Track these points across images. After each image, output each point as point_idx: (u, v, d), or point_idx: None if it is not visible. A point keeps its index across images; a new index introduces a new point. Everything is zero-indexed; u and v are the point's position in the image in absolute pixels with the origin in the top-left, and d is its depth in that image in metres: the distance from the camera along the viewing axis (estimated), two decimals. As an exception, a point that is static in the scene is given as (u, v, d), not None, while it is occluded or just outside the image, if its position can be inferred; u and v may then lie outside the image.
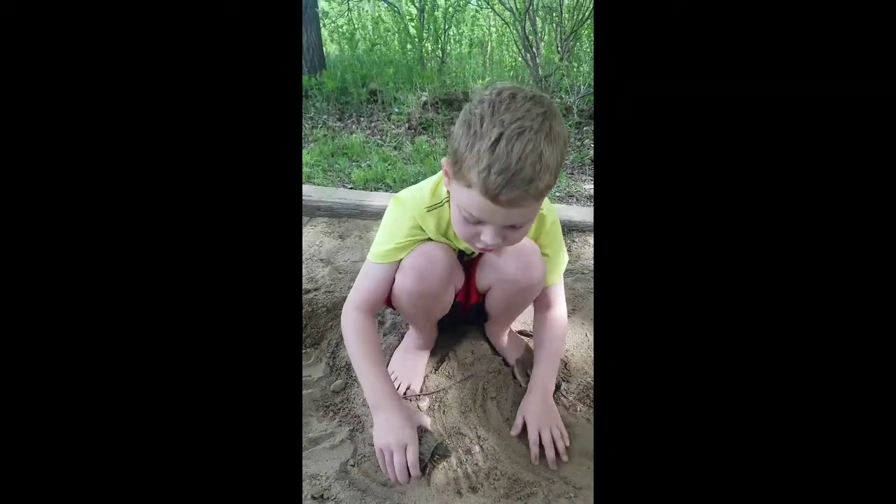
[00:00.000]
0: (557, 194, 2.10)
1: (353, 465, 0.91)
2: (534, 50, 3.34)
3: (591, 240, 1.67)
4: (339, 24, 4.24)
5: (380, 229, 0.96)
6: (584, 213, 1.77)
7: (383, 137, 2.75)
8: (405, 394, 1.05)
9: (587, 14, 3.21)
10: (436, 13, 3.89)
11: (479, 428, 0.99)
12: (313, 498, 0.84)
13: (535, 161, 0.67)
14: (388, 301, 1.00)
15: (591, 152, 2.51)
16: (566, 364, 1.14)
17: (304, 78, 3.24)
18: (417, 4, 3.90)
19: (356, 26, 4.30)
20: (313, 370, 1.13)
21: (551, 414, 0.98)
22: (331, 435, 0.97)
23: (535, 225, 0.92)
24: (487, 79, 3.60)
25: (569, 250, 1.19)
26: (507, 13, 3.57)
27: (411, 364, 1.09)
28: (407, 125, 2.88)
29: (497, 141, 0.66)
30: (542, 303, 1.05)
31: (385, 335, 1.20)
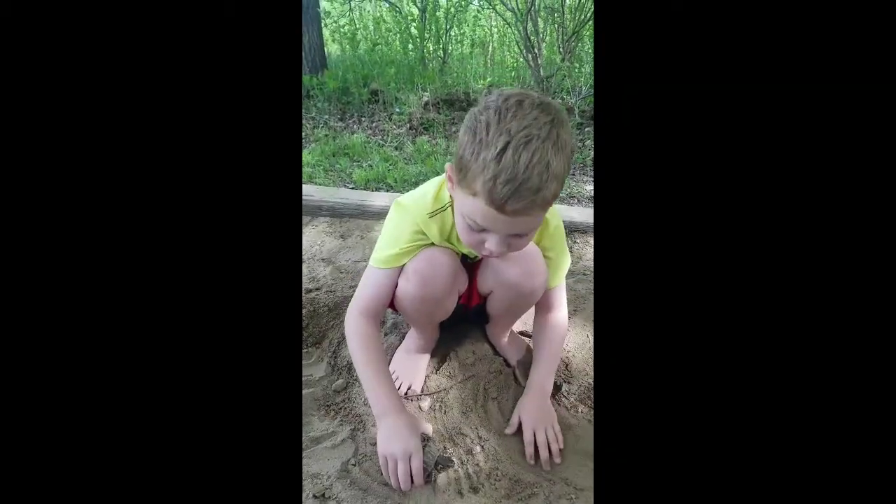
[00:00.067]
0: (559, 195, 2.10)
1: (355, 465, 0.91)
2: (535, 50, 3.34)
3: (592, 241, 1.67)
4: (341, 24, 4.24)
5: (382, 234, 0.96)
6: (585, 214, 1.77)
7: (384, 137, 2.75)
8: (406, 394, 1.05)
9: (589, 15, 3.21)
10: (437, 13, 3.90)
11: (481, 428, 0.99)
12: (315, 497, 0.84)
13: (542, 171, 0.66)
14: (391, 304, 1.00)
15: (592, 153, 2.51)
16: (567, 365, 1.14)
17: (306, 78, 3.24)
18: (419, 5, 3.90)
19: (358, 26, 4.30)
20: (315, 369, 1.13)
21: (547, 415, 0.98)
22: (332, 434, 0.97)
23: (538, 228, 0.92)
24: (489, 79, 3.60)
25: (570, 251, 1.19)
26: (508, 14, 3.57)
27: (412, 364, 1.09)
28: (408, 125, 2.88)
29: (504, 150, 0.65)
30: (543, 305, 1.05)
31: (386, 335, 1.21)
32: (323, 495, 0.85)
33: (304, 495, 0.85)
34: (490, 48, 4.25)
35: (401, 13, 4.17)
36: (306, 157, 2.38)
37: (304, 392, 1.06)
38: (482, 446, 0.95)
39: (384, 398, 0.91)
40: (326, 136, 2.72)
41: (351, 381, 1.09)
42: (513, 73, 3.76)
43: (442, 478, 0.87)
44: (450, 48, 3.94)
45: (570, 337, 1.21)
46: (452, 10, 3.92)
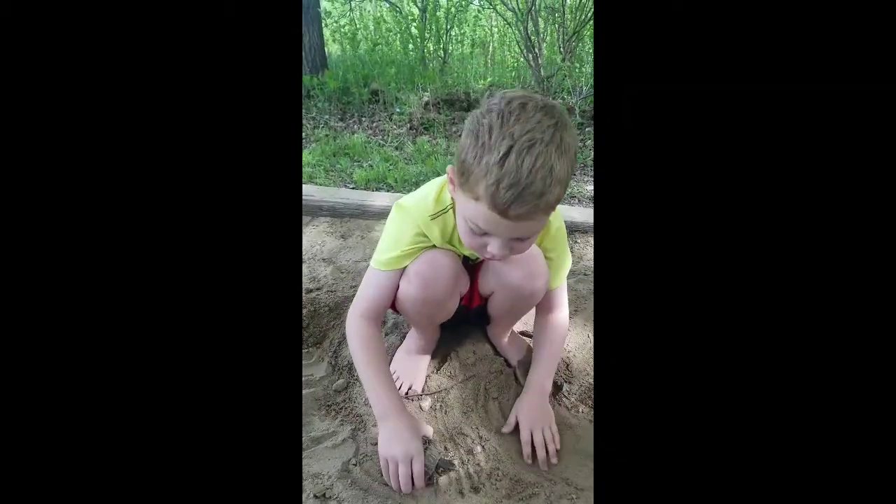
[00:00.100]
0: (559, 194, 2.10)
1: (356, 465, 0.91)
2: (536, 50, 3.34)
3: (592, 241, 1.67)
4: (341, 24, 4.24)
5: (383, 236, 0.96)
6: (585, 214, 1.77)
7: (385, 137, 2.75)
8: (407, 394, 1.05)
9: (589, 15, 3.21)
10: (438, 13, 3.90)
11: (481, 428, 0.99)
12: (315, 497, 0.84)
13: (545, 175, 0.65)
14: (392, 305, 1.00)
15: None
16: (568, 365, 1.14)
17: (306, 78, 3.24)
18: (419, 4, 3.90)
19: (358, 26, 4.30)
20: (315, 369, 1.13)
21: (545, 415, 0.98)
22: (333, 434, 0.97)
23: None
24: (489, 79, 3.60)
25: (571, 251, 1.19)
26: (509, 13, 3.57)
27: (413, 364, 1.09)
28: (408, 125, 2.88)
29: (507, 155, 0.64)
30: (544, 306, 1.05)
31: (387, 335, 1.21)
32: (324, 495, 0.85)
33: (305, 495, 0.85)
34: (490, 48, 4.25)
35: (401, 13, 4.17)
36: (307, 157, 2.38)
37: (304, 392, 1.06)
38: (483, 446, 0.95)
39: (385, 400, 0.91)
40: (327, 136, 2.72)
41: (352, 381, 1.09)
42: (513, 73, 3.76)
43: (443, 479, 0.88)
44: (450, 48, 3.94)
45: (570, 337, 1.21)
46: (453, 9, 3.92)
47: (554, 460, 0.93)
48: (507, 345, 1.15)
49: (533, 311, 1.11)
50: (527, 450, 0.94)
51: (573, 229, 1.71)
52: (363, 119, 3.06)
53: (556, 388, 1.08)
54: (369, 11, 4.73)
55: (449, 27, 3.89)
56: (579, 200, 2.08)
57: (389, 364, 1.10)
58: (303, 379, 1.09)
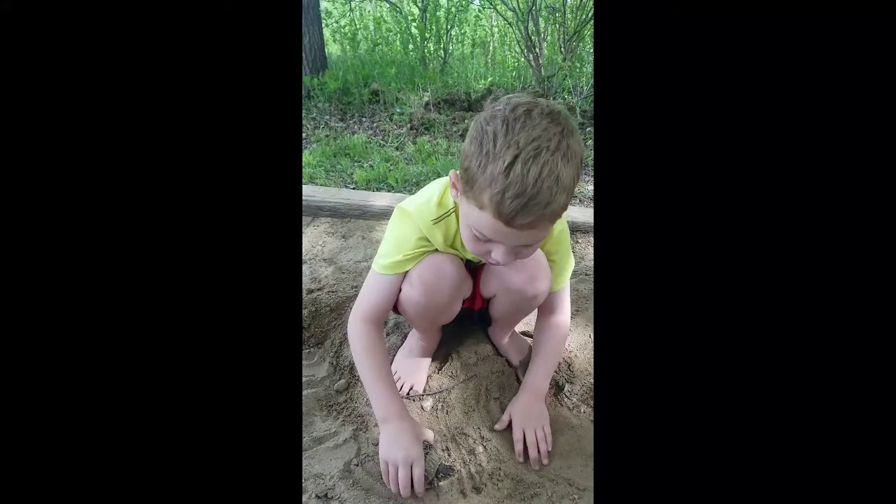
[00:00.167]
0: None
1: (357, 465, 0.91)
2: (536, 50, 3.34)
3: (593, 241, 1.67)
4: (342, 24, 4.24)
5: (385, 240, 0.95)
6: (586, 214, 1.77)
7: (385, 138, 2.75)
8: (408, 394, 1.05)
9: (590, 14, 3.21)
10: (438, 13, 3.90)
11: (483, 428, 0.99)
12: (317, 497, 0.84)
13: (551, 185, 0.64)
14: (394, 307, 1.00)
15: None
16: (570, 365, 1.15)
17: (307, 78, 3.24)
18: (420, 4, 3.90)
19: (358, 26, 4.30)
20: (317, 369, 1.13)
21: (539, 415, 0.98)
22: (334, 434, 0.97)
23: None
24: (490, 79, 3.60)
25: (572, 252, 1.19)
26: (509, 13, 3.57)
27: (414, 365, 1.09)
28: (409, 125, 2.88)
29: (512, 164, 0.63)
30: (545, 308, 1.05)
31: (388, 335, 1.21)
32: (325, 495, 0.85)
33: (307, 496, 0.85)
34: (491, 48, 4.25)
35: (401, 13, 4.17)
36: (307, 157, 2.38)
37: (306, 392, 1.06)
38: (484, 446, 0.95)
39: (387, 403, 0.91)
40: (327, 136, 2.72)
41: (353, 381, 1.09)
42: (514, 73, 3.76)
43: (443, 483, 0.87)
44: (450, 48, 3.94)
45: (572, 337, 1.21)
46: (453, 9, 3.92)
47: (545, 461, 0.93)
48: (508, 345, 1.15)
49: (535, 311, 1.11)
50: (518, 447, 0.94)
51: (574, 229, 1.70)
52: (363, 119, 3.07)
53: (558, 388, 1.08)
54: (369, 11, 4.74)
55: (449, 27, 3.89)
56: (580, 200, 2.08)
57: (391, 365, 1.10)
58: (304, 379, 1.09)
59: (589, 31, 3.30)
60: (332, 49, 4.31)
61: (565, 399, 1.07)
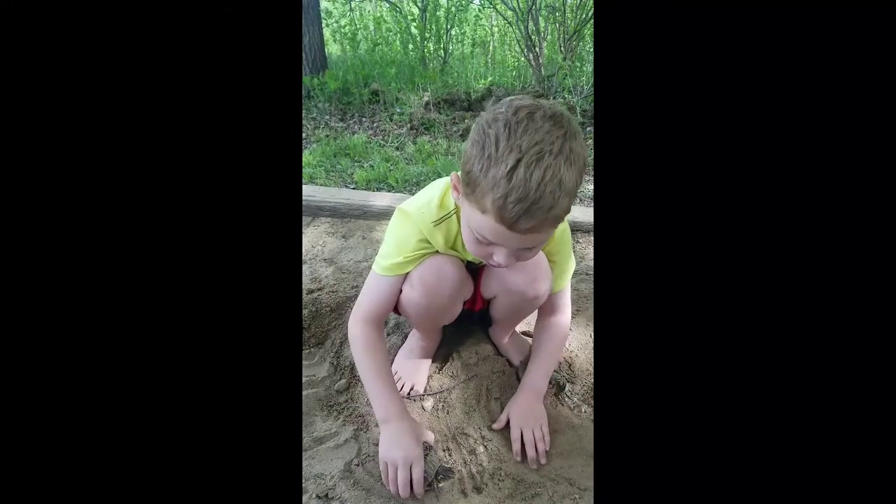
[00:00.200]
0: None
1: (358, 465, 0.91)
2: (536, 50, 3.34)
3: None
4: (342, 24, 4.24)
5: (385, 240, 0.95)
6: (587, 214, 1.77)
7: (385, 138, 2.75)
8: (409, 394, 1.05)
9: (590, 13, 3.21)
10: (438, 13, 3.89)
11: (483, 428, 0.99)
12: (318, 497, 0.84)
13: (554, 189, 0.64)
14: (395, 307, 1.00)
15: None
16: (571, 365, 1.15)
17: (307, 78, 3.24)
18: (419, 4, 3.90)
19: (358, 26, 4.30)
20: (317, 370, 1.13)
21: (537, 414, 0.98)
22: (335, 434, 0.97)
23: None
24: (490, 79, 3.60)
25: (573, 251, 1.19)
26: (509, 13, 3.57)
27: (415, 365, 1.09)
28: (409, 125, 2.88)
29: (515, 168, 0.63)
30: (546, 308, 1.05)
31: (389, 335, 1.21)
32: (326, 496, 0.85)
33: (307, 496, 0.85)
34: (491, 47, 4.25)
35: (401, 13, 4.17)
36: (307, 157, 2.38)
37: (306, 392, 1.06)
38: (485, 446, 0.95)
39: (387, 404, 0.91)
40: (327, 136, 2.72)
41: (353, 381, 1.09)
42: (514, 73, 3.75)
43: (442, 484, 0.87)
44: (450, 48, 3.94)
45: (573, 337, 1.21)
46: (453, 9, 3.92)
47: (543, 460, 0.93)
48: (508, 345, 1.15)
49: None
50: (516, 447, 0.94)
51: (574, 229, 1.70)
52: (363, 119, 3.06)
53: (559, 388, 1.08)
54: (369, 11, 4.73)
55: (449, 27, 3.89)
56: (580, 200, 2.08)
57: (391, 365, 1.10)
58: (305, 379, 1.09)
59: (589, 31, 3.30)
60: (332, 49, 4.31)
61: (566, 399, 1.07)
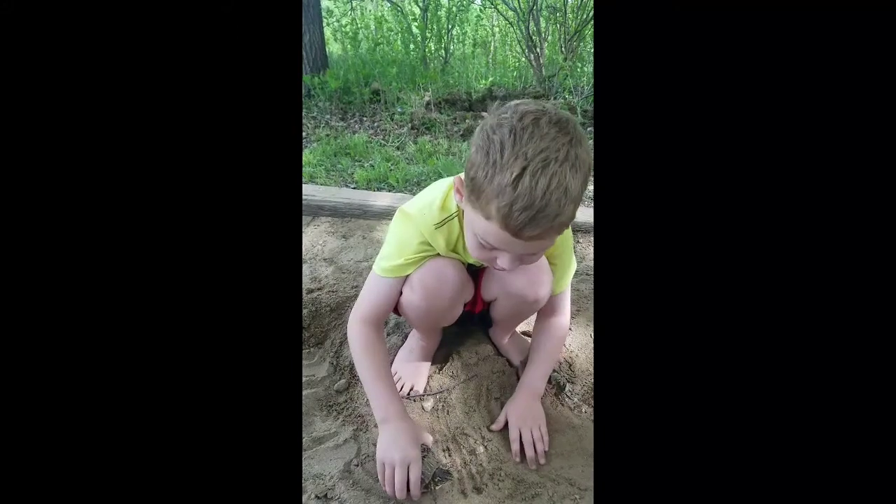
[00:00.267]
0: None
1: (357, 465, 0.91)
2: (537, 50, 3.34)
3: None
4: (343, 23, 4.24)
5: (386, 241, 0.95)
6: (587, 214, 1.77)
7: (386, 137, 2.75)
8: (409, 394, 1.05)
9: (591, 14, 3.21)
10: (439, 13, 3.89)
11: (483, 428, 0.99)
12: (317, 498, 0.84)
13: (560, 197, 0.63)
14: (395, 308, 0.99)
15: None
16: (571, 365, 1.14)
17: (307, 77, 3.24)
18: (421, 4, 3.90)
19: (359, 26, 4.30)
20: (317, 369, 1.13)
21: (535, 415, 0.98)
22: (334, 434, 0.97)
23: None
24: (491, 79, 3.60)
25: (574, 252, 1.19)
26: (510, 13, 3.57)
27: (415, 365, 1.09)
28: (410, 125, 2.87)
29: (520, 176, 0.62)
30: (546, 309, 1.05)
31: (388, 335, 1.21)
32: (325, 496, 0.85)
33: (307, 496, 0.85)
34: (492, 48, 4.25)
35: (402, 12, 4.17)
36: (308, 156, 2.38)
37: (306, 392, 1.06)
38: (485, 446, 0.95)
39: (387, 404, 0.91)
40: (328, 135, 2.72)
41: (353, 382, 1.09)
42: (515, 73, 3.75)
43: (439, 487, 0.87)
44: (451, 48, 3.94)
45: (573, 337, 1.21)
46: (454, 9, 3.92)
47: (542, 460, 0.93)
48: (508, 345, 1.15)
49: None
50: (514, 447, 0.94)
51: (574, 229, 1.70)
52: (364, 119, 3.06)
53: (559, 388, 1.08)
54: (370, 11, 4.73)
55: (450, 27, 3.88)
56: (582, 200, 2.08)
57: (391, 365, 1.10)
58: (304, 379, 1.09)
59: (589, 31, 3.30)
60: (333, 48, 4.31)
61: (566, 399, 1.07)
